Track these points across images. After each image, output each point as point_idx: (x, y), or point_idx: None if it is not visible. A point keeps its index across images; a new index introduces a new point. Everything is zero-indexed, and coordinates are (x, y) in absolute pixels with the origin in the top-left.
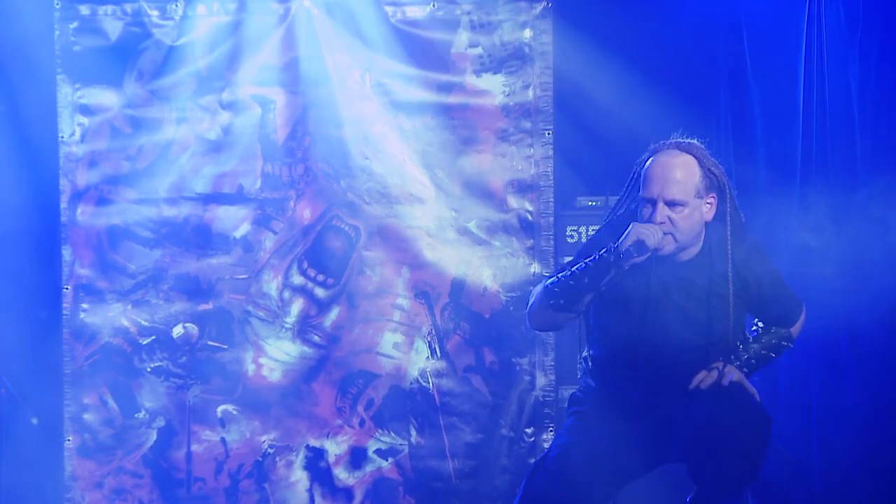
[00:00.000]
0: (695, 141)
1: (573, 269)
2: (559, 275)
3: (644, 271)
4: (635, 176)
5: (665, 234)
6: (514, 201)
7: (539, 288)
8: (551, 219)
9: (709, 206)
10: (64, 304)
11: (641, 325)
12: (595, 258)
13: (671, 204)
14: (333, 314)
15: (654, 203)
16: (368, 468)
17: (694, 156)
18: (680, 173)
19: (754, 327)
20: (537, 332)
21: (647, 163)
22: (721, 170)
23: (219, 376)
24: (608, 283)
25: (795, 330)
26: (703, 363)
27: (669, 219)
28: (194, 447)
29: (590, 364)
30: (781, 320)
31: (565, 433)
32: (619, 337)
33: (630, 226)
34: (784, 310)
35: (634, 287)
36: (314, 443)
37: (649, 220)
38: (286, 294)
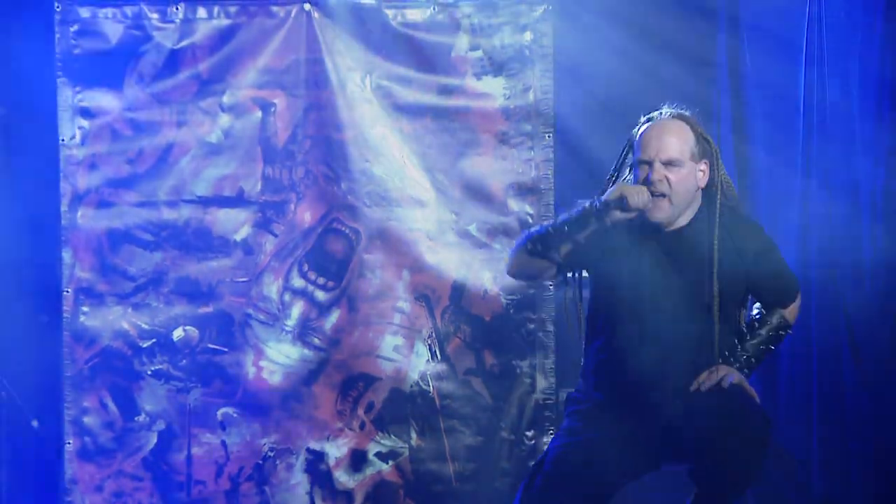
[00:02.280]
0: (686, 111)
1: (557, 219)
2: (543, 223)
3: (634, 246)
4: (628, 146)
5: (661, 195)
6: (514, 204)
7: (521, 236)
8: None
9: (702, 172)
10: (64, 307)
11: (635, 309)
12: (578, 209)
13: (667, 163)
14: (334, 317)
15: (650, 164)
16: (369, 471)
17: (686, 122)
18: (675, 135)
19: (755, 311)
20: (513, 278)
21: (641, 129)
22: (712, 140)
23: (219, 379)
24: (588, 237)
25: (792, 313)
26: (700, 348)
27: (666, 178)
28: (194, 450)
29: (586, 359)
30: (778, 298)
31: (563, 434)
32: (614, 324)
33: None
34: (781, 287)
35: (626, 264)
36: (314, 446)
37: (646, 182)
38: (286, 297)
